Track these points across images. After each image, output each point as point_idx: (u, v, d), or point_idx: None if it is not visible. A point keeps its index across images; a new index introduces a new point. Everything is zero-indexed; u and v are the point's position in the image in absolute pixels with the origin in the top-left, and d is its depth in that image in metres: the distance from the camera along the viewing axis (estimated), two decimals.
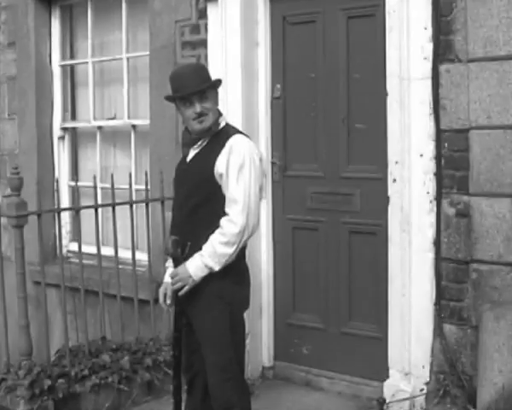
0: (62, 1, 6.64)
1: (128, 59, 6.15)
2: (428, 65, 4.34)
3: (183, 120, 3.75)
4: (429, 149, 4.37)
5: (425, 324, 4.41)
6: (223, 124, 3.64)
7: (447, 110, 4.31)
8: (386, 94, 4.53)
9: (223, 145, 3.51)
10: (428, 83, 4.34)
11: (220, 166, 3.48)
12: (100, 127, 6.42)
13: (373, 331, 4.85)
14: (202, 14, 5.41)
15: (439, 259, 4.38)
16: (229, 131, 3.60)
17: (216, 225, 3.45)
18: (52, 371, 4.69)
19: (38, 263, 4.98)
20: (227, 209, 3.47)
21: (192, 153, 3.64)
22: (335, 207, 5.00)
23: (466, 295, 4.30)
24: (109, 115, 6.46)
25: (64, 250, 5.78)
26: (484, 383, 3.95)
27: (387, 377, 4.57)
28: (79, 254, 5.05)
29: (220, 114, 3.65)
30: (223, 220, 3.45)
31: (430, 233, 4.39)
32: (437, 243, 4.38)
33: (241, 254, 3.57)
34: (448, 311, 4.36)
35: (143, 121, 5.98)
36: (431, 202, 4.38)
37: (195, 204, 3.53)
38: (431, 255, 4.40)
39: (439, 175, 4.36)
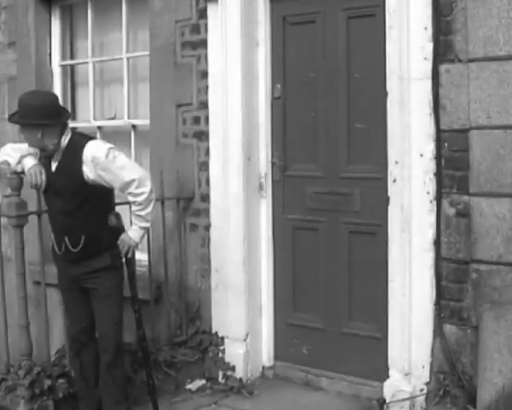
0: (62, 1, 6.64)
1: (128, 59, 6.15)
2: (428, 65, 4.34)
3: None
4: (429, 149, 4.37)
5: (425, 324, 4.41)
6: (66, 141, 4.22)
7: (447, 110, 4.31)
8: (386, 94, 4.53)
9: (80, 158, 4.14)
10: (428, 83, 4.34)
11: (88, 174, 4.14)
12: (100, 127, 6.42)
13: (373, 331, 4.85)
14: (202, 14, 5.41)
15: (439, 259, 4.38)
16: (76, 144, 4.21)
17: (103, 214, 4.24)
18: (52, 371, 4.69)
19: (38, 263, 4.97)
20: (128, 191, 4.18)
21: (54, 165, 4.25)
22: (335, 207, 5.00)
23: (466, 295, 4.30)
24: (109, 115, 6.46)
25: None
26: (484, 383, 3.95)
27: (387, 377, 4.56)
28: None
29: (61, 135, 4.21)
30: (130, 197, 4.21)
31: (430, 233, 4.39)
32: (437, 243, 4.38)
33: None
34: (448, 311, 4.36)
35: (143, 121, 5.98)
36: (431, 202, 4.38)
37: (78, 205, 4.18)
38: (431, 255, 4.40)
39: (439, 175, 4.36)
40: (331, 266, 5.04)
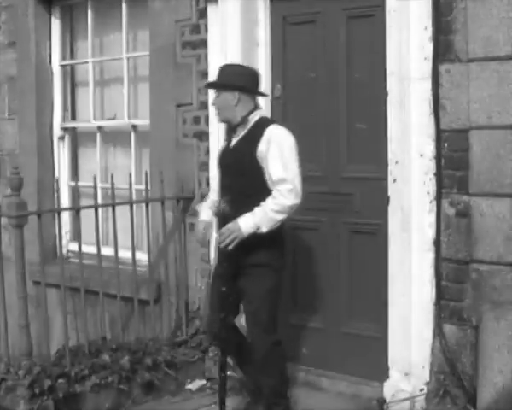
0: (62, 1, 6.64)
1: (128, 59, 6.15)
2: (428, 65, 4.34)
3: None
4: (429, 149, 4.37)
5: (425, 324, 4.41)
6: (256, 118, 4.21)
7: (447, 110, 4.31)
8: (386, 94, 4.53)
9: (261, 134, 4.09)
10: (428, 83, 4.34)
11: (261, 152, 4.06)
12: (100, 127, 6.42)
13: (373, 331, 4.85)
14: (202, 14, 5.41)
15: (439, 259, 4.37)
16: (265, 122, 4.20)
17: (259, 199, 4.03)
18: (52, 371, 4.69)
19: (38, 263, 4.98)
20: (276, 187, 4.02)
21: (234, 141, 4.26)
22: (335, 207, 5.00)
23: (466, 295, 4.30)
24: (109, 115, 6.47)
25: (64, 250, 5.79)
26: (484, 383, 3.95)
27: (387, 377, 4.57)
28: (79, 254, 5.06)
29: (251, 111, 4.20)
30: (275, 192, 4.03)
31: (430, 233, 4.39)
32: (437, 242, 4.38)
33: (281, 229, 4.15)
34: (448, 311, 4.36)
35: (143, 121, 5.99)
36: (431, 202, 4.38)
37: (243, 182, 4.12)
38: (431, 255, 4.40)
39: (439, 175, 4.36)
40: (331, 265, 5.04)
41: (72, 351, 4.95)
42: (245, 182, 4.12)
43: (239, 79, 4.19)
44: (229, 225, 4.04)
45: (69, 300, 5.42)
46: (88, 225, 5.35)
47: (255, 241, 4.05)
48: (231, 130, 4.31)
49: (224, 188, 4.25)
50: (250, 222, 4.01)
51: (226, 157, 4.31)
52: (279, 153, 4.04)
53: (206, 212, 4.47)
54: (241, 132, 4.22)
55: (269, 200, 4.02)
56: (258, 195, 4.05)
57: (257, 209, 4.02)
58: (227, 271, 4.16)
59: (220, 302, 4.20)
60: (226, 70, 4.28)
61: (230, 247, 4.04)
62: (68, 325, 5.04)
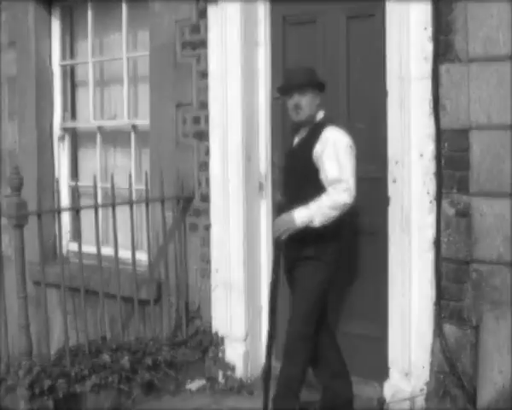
0: (62, 1, 6.64)
1: (128, 59, 6.15)
2: (428, 65, 4.34)
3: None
4: (429, 149, 4.37)
5: (425, 324, 4.41)
6: (319, 117, 4.37)
7: (447, 110, 4.31)
8: (386, 94, 4.53)
9: (319, 135, 4.26)
10: (428, 83, 4.34)
11: (317, 152, 4.22)
12: (100, 127, 6.42)
13: (373, 331, 4.85)
14: (202, 14, 5.41)
15: (439, 259, 4.37)
16: (324, 123, 4.33)
17: (313, 197, 4.16)
18: (52, 371, 4.69)
19: (38, 263, 4.98)
20: (332, 186, 4.15)
21: (296, 139, 4.43)
22: None
23: (466, 295, 4.30)
24: (109, 115, 6.46)
25: (64, 250, 5.79)
26: (484, 383, 3.95)
27: (387, 377, 4.57)
28: (79, 254, 5.06)
29: (319, 110, 4.36)
30: (330, 189, 4.16)
31: (430, 233, 4.39)
32: (437, 242, 4.38)
33: (339, 225, 4.27)
34: (448, 311, 4.36)
35: (143, 121, 5.98)
36: (431, 202, 4.38)
37: (299, 181, 4.30)
38: (431, 255, 4.39)
39: (439, 175, 4.35)
40: None
41: (72, 351, 4.96)
42: (300, 180, 4.30)
43: (317, 78, 4.39)
44: (284, 216, 4.24)
45: (69, 300, 5.43)
46: (88, 225, 5.35)
47: (309, 234, 4.19)
48: (294, 130, 4.48)
49: (283, 185, 4.53)
50: (303, 215, 4.16)
51: (289, 156, 4.51)
52: (334, 153, 4.17)
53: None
54: (304, 132, 4.39)
55: (323, 196, 4.17)
56: (313, 193, 4.19)
57: (311, 203, 4.17)
58: (278, 260, 4.35)
59: (271, 290, 4.41)
60: (299, 71, 4.40)
61: (283, 237, 4.24)
62: (68, 325, 5.05)
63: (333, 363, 4.49)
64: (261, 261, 5.30)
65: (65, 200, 6.56)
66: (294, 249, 4.29)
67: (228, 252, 5.24)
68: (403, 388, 4.45)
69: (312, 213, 4.14)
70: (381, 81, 4.57)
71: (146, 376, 5.01)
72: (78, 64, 6.68)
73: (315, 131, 4.31)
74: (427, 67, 4.34)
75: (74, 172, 6.60)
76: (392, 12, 4.46)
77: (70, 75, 6.78)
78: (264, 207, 5.30)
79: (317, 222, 4.15)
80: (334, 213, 4.15)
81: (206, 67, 5.40)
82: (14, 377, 4.63)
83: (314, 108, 4.34)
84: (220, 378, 5.23)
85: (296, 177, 4.34)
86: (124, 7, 6.09)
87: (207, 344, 5.33)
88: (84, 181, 6.42)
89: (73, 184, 6.59)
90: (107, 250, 5.44)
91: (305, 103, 4.31)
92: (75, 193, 6.57)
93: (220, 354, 5.29)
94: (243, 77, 5.16)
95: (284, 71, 4.53)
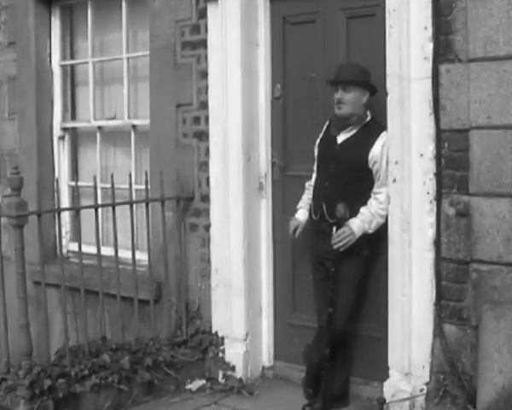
0: (62, 1, 6.64)
1: (128, 59, 6.15)
2: (428, 65, 4.34)
3: None
4: (429, 149, 4.36)
5: (425, 324, 4.40)
6: (368, 118, 4.53)
7: (447, 110, 4.31)
8: (386, 94, 4.53)
9: (377, 137, 4.43)
10: (428, 83, 4.34)
11: (376, 154, 4.42)
12: (100, 127, 6.42)
13: (373, 331, 4.84)
14: (202, 14, 5.41)
15: (439, 259, 4.37)
16: (378, 126, 4.50)
17: (362, 198, 4.45)
18: (52, 371, 4.69)
19: (38, 263, 4.98)
20: (381, 189, 4.43)
21: (343, 136, 4.55)
22: None
23: (466, 295, 4.30)
24: (109, 115, 6.46)
25: (64, 250, 5.79)
26: (484, 383, 3.95)
27: (387, 377, 4.56)
28: (79, 254, 5.06)
29: (367, 110, 4.51)
30: (382, 197, 4.44)
31: (430, 233, 4.39)
32: (437, 243, 4.37)
33: None
34: (448, 311, 4.36)
35: (143, 121, 5.98)
36: (431, 202, 4.38)
37: (349, 180, 4.45)
38: (431, 255, 4.39)
39: (439, 175, 4.35)
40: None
41: (72, 351, 4.95)
42: (350, 178, 4.45)
43: (368, 79, 4.53)
44: (345, 229, 4.41)
45: (69, 300, 5.43)
46: (88, 225, 5.35)
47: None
48: (338, 125, 4.58)
49: (324, 179, 4.60)
50: (361, 227, 4.42)
51: (331, 151, 4.58)
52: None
53: (302, 212, 4.81)
54: (352, 130, 4.51)
55: (375, 204, 4.45)
56: (360, 190, 4.45)
57: (365, 213, 4.44)
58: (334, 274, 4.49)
59: (330, 300, 4.50)
60: (347, 67, 4.56)
61: (342, 248, 4.42)
62: (68, 325, 5.05)
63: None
64: (261, 261, 5.30)
65: (65, 200, 6.58)
66: (328, 244, 4.44)
67: (228, 252, 5.23)
68: (403, 388, 4.44)
69: (368, 226, 4.44)
70: (381, 81, 4.57)
71: (146, 376, 5.01)
72: (78, 64, 6.68)
73: (368, 131, 4.48)
74: (427, 67, 4.34)
75: (74, 172, 6.60)
76: (392, 12, 4.46)
77: (70, 75, 6.78)
78: (264, 207, 5.30)
79: (371, 231, 4.47)
80: (384, 221, 4.46)
81: (206, 67, 5.40)
82: (14, 377, 4.63)
83: (359, 106, 4.48)
84: (220, 378, 5.23)
85: (344, 172, 4.47)
86: (124, 7, 6.09)
87: (207, 344, 5.33)
88: (84, 181, 6.41)
89: (73, 183, 6.58)
90: (107, 250, 5.45)
91: (347, 99, 4.45)
92: (75, 193, 6.56)
93: (220, 354, 5.29)
94: (243, 77, 5.16)
95: (337, 65, 4.62)
